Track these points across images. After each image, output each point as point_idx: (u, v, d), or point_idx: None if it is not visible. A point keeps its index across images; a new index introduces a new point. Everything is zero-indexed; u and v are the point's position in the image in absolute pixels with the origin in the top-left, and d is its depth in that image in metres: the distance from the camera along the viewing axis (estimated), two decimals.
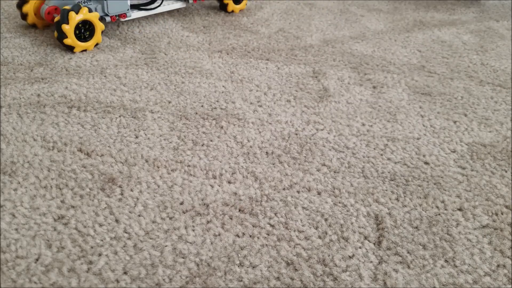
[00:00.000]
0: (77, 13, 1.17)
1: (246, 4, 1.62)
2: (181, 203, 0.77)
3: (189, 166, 0.86)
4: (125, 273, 0.65)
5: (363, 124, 1.02)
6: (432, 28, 1.62)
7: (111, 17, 1.29)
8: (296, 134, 0.97)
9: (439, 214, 0.79)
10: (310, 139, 0.96)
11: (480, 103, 1.15)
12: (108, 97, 1.05)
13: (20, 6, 1.29)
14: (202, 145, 0.92)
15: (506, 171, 0.91)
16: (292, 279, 0.66)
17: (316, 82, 1.19)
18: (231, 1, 1.56)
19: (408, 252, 0.71)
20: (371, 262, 0.70)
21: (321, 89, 1.15)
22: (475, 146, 0.98)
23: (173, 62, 1.23)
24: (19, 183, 0.78)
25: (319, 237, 0.73)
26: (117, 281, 0.64)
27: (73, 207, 0.75)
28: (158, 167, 0.85)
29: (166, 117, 1.00)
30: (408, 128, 1.03)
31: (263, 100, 1.08)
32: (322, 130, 0.99)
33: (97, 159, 0.86)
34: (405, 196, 0.83)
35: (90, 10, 1.21)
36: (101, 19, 1.27)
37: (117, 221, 0.73)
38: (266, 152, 0.91)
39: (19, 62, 1.17)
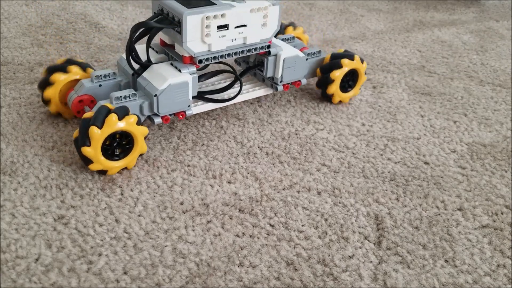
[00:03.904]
0: (120, 118, 0.77)
1: (359, 90, 1.15)
2: (181, 203, 0.77)
3: (189, 166, 0.86)
4: (125, 273, 0.65)
5: (363, 124, 1.02)
6: (432, 28, 1.62)
7: (162, 117, 0.88)
8: (296, 134, 0.97)
9: (439, 214, 0.79)
10: (310, 139, 0.96)
11: (480, 103, 1.15)
12: None
13: (42, 87, 0.91)
14: (202, 145, 0.92)
15: (506, 171, 0.91)
16: (292, 279, 0.66)
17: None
18: (337, 89, 1.06)
19: (408, 252, 0.71)
20: (371, 262, 0.69)
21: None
22: (475, 146, 0.98)
23: None
24: (19, 183, 0.78)
25: (319, 237, 0.73)
26: (117, 281, 0.64)
27: (73, 207, 0.75)
28: (158, 167, 0.85)
29: None
30: (408, 128, 1.03)
31: (263, 100, 1.08)
32: (322, 130, 0.99)
33: None
34: (405, 196, 0.83)
35: (139, 119, 0.81)
36: (149, 118, 0.88)
37: (117, 221, 0.73)
38: (266, 152, 0.91)
39: (19, 62, 1.17)
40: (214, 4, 0.85)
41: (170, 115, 0.88)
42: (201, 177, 0.83)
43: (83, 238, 0.69)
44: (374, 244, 0.73)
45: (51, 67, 0.92)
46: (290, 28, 1.18)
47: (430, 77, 1.27)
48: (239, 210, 0.77)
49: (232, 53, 0.90)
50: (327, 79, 1.04)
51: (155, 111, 0.86)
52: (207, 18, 0.82)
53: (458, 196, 0.84)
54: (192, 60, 0.87)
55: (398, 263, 0.70)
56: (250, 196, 0.80)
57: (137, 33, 0.84)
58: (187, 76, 0.86)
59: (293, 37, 1.11)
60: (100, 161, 0.78)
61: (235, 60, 1.07)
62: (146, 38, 0.94)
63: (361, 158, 0.91)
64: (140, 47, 0.93)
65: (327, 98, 1.09)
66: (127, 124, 0.78)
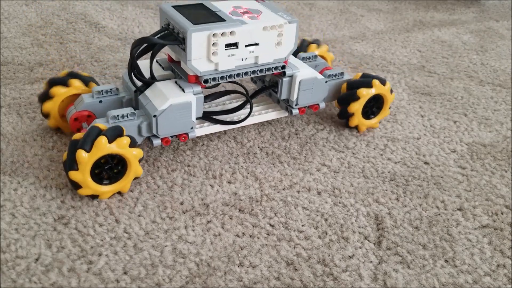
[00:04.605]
0: (111, 140, 0.72)
1: (389, 111, 1.04)
2: (181, 203, 0.77)
3: (189, 166, 0.86)
4: (125, 273, 0.65)
5: None
6: (432, 28, 1.62)
7: (162, 139, 0.82)
8: (296, 134, 0.97)
9: (439, 214, 0.79)
10: (310, 139, 0.96)
11: (480, 103, 1.15)
12: None
13: (41, 100, 0.88)
14: (202, 145, 0.91)
15: (506, 171, 0.91)
16: (292, 279, 0.66)
17: None
18: (360, 120, 0.97)
19: (408, 252, 0.71)
20: (371, 262, 0.70)
21: None
22: (475, 146, 0.98)
23: None
24: (19, 183, 0.78)
25: (319, 237, 0.73)
26: (117, 281, 0.64)
27: (73, 207, 0.75)
28: (158, 167, 0.85)
29: None
30: (408, 128, 1.03)
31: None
32: (322, 130, 0.99)
33: None
34: (405, 196, 0.83)
35: (133, 141, 0.75)
36: (148, 139, 0.83)
37: (117, 221, 0.73)
38: (266, 152, 0.91)
39: (19, 62, 1.17)
40: (223, 20, 0.78)
41: (171, 136, 0.82)
42: (201, 177, 0.83)
43: (83, 238, 0.69)
44: (374, 244, 0.73)
45: (52, 79, 0.88)
46: (313, 46, 1.09)
47: (430, 77, 1.27)
48: (239, 210, 0.77)
49: (242, 73, 0.82)
50: (346, 112, 0.96)
51: (154, 132, 0.80)
52: (214, 35, 0.76)
53: (458, 196, 0.84)
54: (197, 79, 0.81)
55: (398, 263, 0.70)
56: (250, 196, 0.80)
57: (140, 49, 0.79)
58: (191, 97, 0.80)
59: (315, 56, 1.03)
60: (89, 186, 0.73)
61: (251, 78, 1.00)
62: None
63: (361, 158, 0.91)
64: (146, 62, 0.87)
65: (345, 123, 1.01)
66: (118, 146, 0.72)
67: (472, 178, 0.88)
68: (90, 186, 0.73)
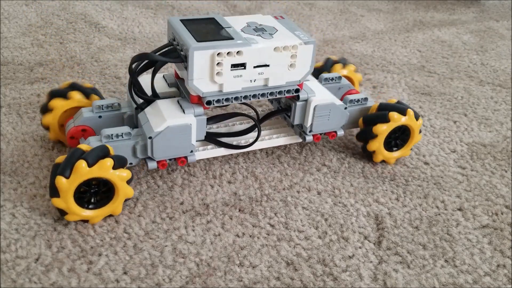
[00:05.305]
0: (92, 164, 0.67)
1: (410, 151, 0.93)
2: (181, 203, 0.77)
3: (189, 166, 0.86)
4: (125, 273, 0.65)
5: None
6: (432, 28, 1.62)
7: (158, 162, 0.77)
8: None
9: (439, 214, 0.79)
10: None
11: (480, 103, 1.15)
12: None
13: (42, 111, 0.85)
14: None
15: (506, 171, 0.91)
16: (292, 279, 0.66)
17: None
18: (380, 146, 0.87)
19: (408, 252, 0.71)
20: (371, 262, 0.69)
21: None
22: (475, 146, 0.98)
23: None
24: (19, 183, 0.78)
25: (319, 237, 0.73)
26: (117, 281, 0.64)
27: None
28: (158, 167, 0.85)
29: None
30: None
31: (262, 100, 1.08)
32: None
33: None
34: (405, 196, 0.83)
35: (120, 161, 0.70)
36: (144, 161, 0.77)
37: (117, 221, 0.73)
38: (266, 152, 0.91)
39: (19, 62, 1.17)
40: (231, 38, 0.72)
41: (169, 159, 0.77)
42: (201, 177, 0.83)
43: (83, 238, 0.69)
44: (374, 244, 0.73)
45: (53, 91, 0.84)
46: (338, 66, 1.00)
47: (430, 77, 1.27)
48: (239, 210, 0.77)
49: (250, 95, 0.76)
50: (370, 132, 0.86)
51: (149, 154, 0.74)
52: (218, 54, 0.70)
53: (458, 196, 0.84)
54: (200, 100, 0.75)
55: (398, 263, 0.70)
56: (250, 196, 0.80)
57: (141, 65, 0.74)
58: (191, 119, 0.74)
59: (339, 77, 0.95)
60: (75, 212, 0.69)
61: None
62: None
63: (361, 158, 0.91)
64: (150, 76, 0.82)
65: (368, 155, 0.91)
66: (100, 170, 0.67)
67: (472, 178, 0.88)
68: (75, 212, 0.69)
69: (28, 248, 0.67)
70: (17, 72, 1.12)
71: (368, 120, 0.87)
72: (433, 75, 1.28)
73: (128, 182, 0.71)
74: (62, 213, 0.69)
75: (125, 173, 0.69)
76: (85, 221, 0.71)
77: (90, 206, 0.70)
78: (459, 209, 0.81)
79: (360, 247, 0.72)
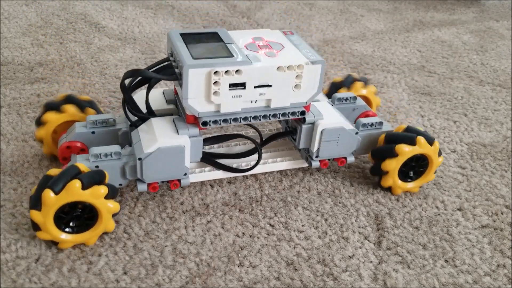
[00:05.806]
0: (86, 187, 0.63)
1: (419, 187, 0.85)
2: (181, 203, 0.77)
3: None
4: (125, 273, 0.65)
5: None
6: (432, 28, 1.62)
7: (148, 184, 0.73)
8: None
9: (439, 214, 0.79)
10: None
11: (480, 103, 1.15)
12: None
13: (37, 123, 0.81)
14: None
15: (506, 171, 0.91)
16: (292, 279, 0.66)
17: None
18: (396, 181, 0.80)
19: (408, 252, 0.71)
20: (371, 262, 0.69)
21: None
22: (475, 146, 0.98)
23: None
24: (19, 183, 0.78)
25: (319, 237, 0.73)
26: (117, 281, 0.64)
27: None
28: None
29: None
30: None
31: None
32: None
33: None
34: (405, 196, 0.83)
35: (113, 192, 0.66)
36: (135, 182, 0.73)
37: (116, 221, 0.73)
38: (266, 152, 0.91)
39: (19, 62, 1.17)
40: (230, 56, 0.67)
41: (159, 183, 0.73)
42: None
43: None
44: (374, 244, 0.73)
45: (47, 103, 0.81)
46: (358, 84, 0.93)
47: (430, 77, 1.27)
48: (239, 210, 0.77)
49: (250, 117, 0.71)
50: (379, 169, 0.80)
51: (139, 176, 0.70)
52: (215, 73, 0.65)
53: (458, 196, 0.84)
54: (196, 120, 0.70)
55: (398, 263, 0.70)
56: (250, 196, 0.80)
57: (134, 82, 0.70)
58: (185, 140, 0.69)
59: (355, 97, 0.88)
60: (49, 231, 0.64)
61: None
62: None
63: (361, 158, 0.91)
64: (152, 92, 0.78)
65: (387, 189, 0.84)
66: (92, 195, 0.63)
67: (472, 178, 0.88)
68: (49, 231, 0.64)
69: (28, 248, 0.67)
70: (17, 72, 1.12)
71: (375, 155, 0.81)
72: (433, 75, 1.28)
73: (113, 215, 0.68)
74: (35, 228, 0.64)
75: (113, 205, 0.66)
76: (55, 243, 0.66)
77: (67, 230, 0.66)
78: (459, 209, 0.81)
79: (360, 247, 0.72)
